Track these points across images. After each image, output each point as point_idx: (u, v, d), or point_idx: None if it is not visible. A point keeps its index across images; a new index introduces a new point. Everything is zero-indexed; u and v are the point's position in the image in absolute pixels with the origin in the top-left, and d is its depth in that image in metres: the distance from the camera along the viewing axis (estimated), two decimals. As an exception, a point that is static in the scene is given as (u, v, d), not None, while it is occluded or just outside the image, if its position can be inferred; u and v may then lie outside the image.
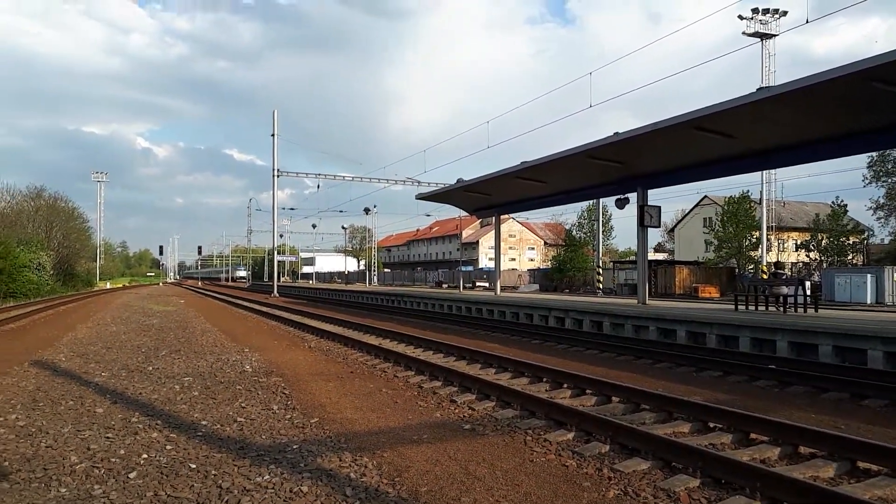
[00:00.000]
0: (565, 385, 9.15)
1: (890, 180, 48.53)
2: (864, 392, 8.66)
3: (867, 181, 50.09)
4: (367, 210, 63.23)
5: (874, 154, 47.06)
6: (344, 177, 48.68)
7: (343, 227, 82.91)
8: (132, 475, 5.14)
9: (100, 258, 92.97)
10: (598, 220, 49.63)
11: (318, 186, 53.98)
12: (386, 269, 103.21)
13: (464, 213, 36.04)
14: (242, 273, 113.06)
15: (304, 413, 7.49)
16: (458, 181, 27.04)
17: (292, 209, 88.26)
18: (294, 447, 6.01)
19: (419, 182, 44.66)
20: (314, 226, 77.56)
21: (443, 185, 33.90)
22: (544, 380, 9.61)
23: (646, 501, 4.68)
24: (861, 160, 50.81)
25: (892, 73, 10.87)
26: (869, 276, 33.85)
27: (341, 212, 76.48)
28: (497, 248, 30.00)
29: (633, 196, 21.44)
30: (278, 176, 44.13)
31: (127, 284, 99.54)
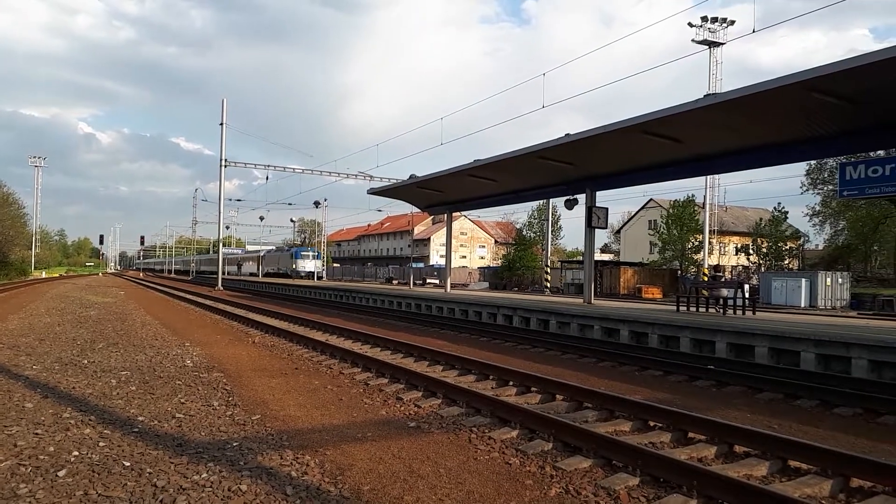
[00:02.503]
0: (511, 383, 9.21)
1: (826, 188, 50.56)
2: (796, 392, 8.97)
3: (804, 188, 52.19)
4: (317, 203, 62.35)
5: (812, 162, 48.98)
6: (294, 169, 47.89)
7: (292, 221, 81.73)
8: (61, 473, 4.93)
9: (35, 246, 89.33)
10: (547, 220, 50.27)
11: (268, 178, 52.93)
12: (335, 264, 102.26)
13: (416, 210, 35.95)
14: (312, 266, 63.35)
15: (246, 410, 7.33)
16: (411, 177, 26.99)
17: (240, 200, 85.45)
18: (234, 444, 5.87)
19: (371, 176, 44.30)
20: (262, 218, 75.78)
21: (395, 181, 33.78)
22: (490, 377, 9.65)
23: (586, 500, 4.73)
24: (799, 168, 52.94)
25: (830, 84, 11.30)
26: (804, 280, 35.23)
27: (290, 204, 75.44)
28: (448, 245, 30.05)
29: (581, 197, 21.75)
30: (226, 166, 43.14)
31: (64, 274, 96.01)
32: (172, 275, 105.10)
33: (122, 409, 7.14)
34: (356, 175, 45.50)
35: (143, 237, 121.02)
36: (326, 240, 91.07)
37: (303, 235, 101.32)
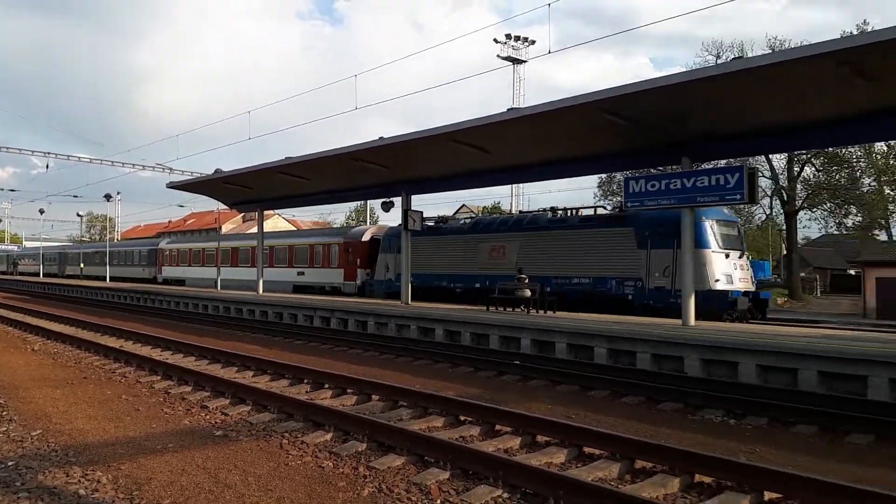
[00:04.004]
0: (326, 385, 9.07)
1: (615, 199, 56.03)
2: (591, 384, 9.78)
3: (597, 199, 57.44)
4: (108, 196, 56.58)
5: (603, 175, 54.02)
6: (80, 157, 43.39)
7: (79, 215, 73.60)
8: None
9: None
10: (365, 222, 50.40)
11: (48, 166, 47.13)
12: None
13: (224, 206, 34.15)
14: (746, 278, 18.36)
15: (24, 425, 6.51)
16: (217, 171, 25.53)
17: (13, 191, 75.12)
18: (9, 464, 5.20)
19: (171, 169, 41.33)
20: (42, 211, 67.43)
21: (199, 175, 31.83)
22: (305, 381, 9.43)
23: (399, 497, 4.78)
24: (593, 180, 58.10)
25: (617, 105, 12.53)
26: (597, 282, 38.42)
27: (76, 196, 67.68)
28: (259, 245, 28.89)
29: (398, 200, 22.05)
30: (-2, 151, 37.97)
31: None
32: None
33: None
34: (154, 167, 42.33)
35: None
36: (120, 236, 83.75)
37: (92, 231, 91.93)
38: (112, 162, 43.16)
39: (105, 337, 14.98)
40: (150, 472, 5.17)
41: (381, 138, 17.73)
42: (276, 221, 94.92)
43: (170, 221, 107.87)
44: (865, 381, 8.68)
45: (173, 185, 29.26)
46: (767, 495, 4.75)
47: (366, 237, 29.86)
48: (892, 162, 36.46)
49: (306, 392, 8.83)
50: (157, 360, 10.83)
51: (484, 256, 22.67)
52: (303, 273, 32.38)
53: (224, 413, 7.46)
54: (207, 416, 7.32)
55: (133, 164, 43.23)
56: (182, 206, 62.67)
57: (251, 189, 25.94)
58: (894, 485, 5.08)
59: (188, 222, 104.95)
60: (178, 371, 9.73)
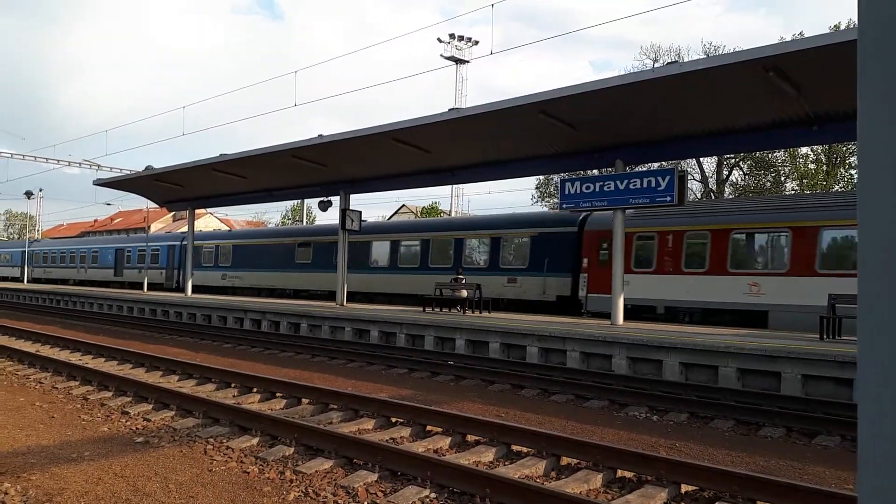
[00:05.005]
0: (255, 389, 8.87)
1: (551, 201, 56.94)
2: (522, 383, 9.92)
3: (535, 200, 58.26)
4: (29, 194, 53.76)
5: (540, 177, 54.90)
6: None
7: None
8: None
9: None
10: (301, 221, 49.66)
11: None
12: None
13: (153, 205, 33.00)
14: None
15: (-77, 437, 6.11)
16: (147, 168, 24.76)
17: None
18: None
19: (99, 166, 39.62)
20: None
21: (128, 172, 30.75)
22: (233, 385, 9.21)
23: (325, 500, 4.72)
24: (531, 182, 58.85)
25: (554, 108, 12.75)
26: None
27: (-6, 194, 64.10)
28: (190, 244, 28.09)
29: (336, 199, 21.80)
30: None
31: None
32: None
33: None
34: (80, 164, 40.50)
35: None
36: (42, 236, 80.00)
37: (10, 230, 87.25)
38: (35, 157, 40.97)
39: (20, 342, 14.26)
40: (63, 483, 4.94)
41: (319, 136, 17.53)
42: (209, 221, 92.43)
43: (95, 221, 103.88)
44: (779, 377, 9.11)
45: (101, 183, 28.10)
46: (684, 488, 4.92)
47: None
48: (812, 166, 38.25)
49: (233, 396, 8.63)
50: (77, 364, 10.38)
51: None
52: None
53: (146, 419, 7.21)
54: (128, 423, 7.06)
55: (58, 160, 41.08)
56: (109, 205, 60.00)
57: (183, 187, 25.23)
58: (796, 473, 5.34)
59: (115, 221, 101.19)
60: (98, 376, 9.34)
